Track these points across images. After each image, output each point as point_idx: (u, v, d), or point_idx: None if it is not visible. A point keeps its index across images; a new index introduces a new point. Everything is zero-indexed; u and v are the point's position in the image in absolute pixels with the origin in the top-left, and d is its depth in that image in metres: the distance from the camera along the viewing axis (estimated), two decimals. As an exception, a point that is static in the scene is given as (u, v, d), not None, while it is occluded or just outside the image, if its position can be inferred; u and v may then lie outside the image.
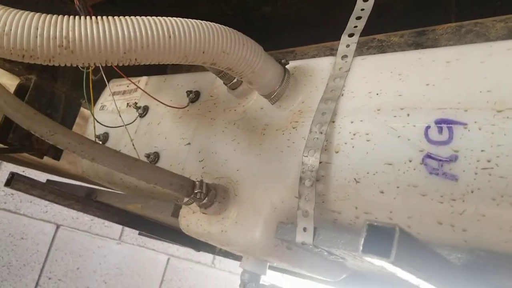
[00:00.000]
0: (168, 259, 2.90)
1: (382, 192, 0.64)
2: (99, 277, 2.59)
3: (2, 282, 2.29)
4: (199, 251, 1.39)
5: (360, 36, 0.77)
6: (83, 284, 2.53)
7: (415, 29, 0.90)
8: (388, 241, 0.41)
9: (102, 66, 1.02)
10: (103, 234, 2.62)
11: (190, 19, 0.66)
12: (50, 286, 2.42)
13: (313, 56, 1.07)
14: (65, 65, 0.61)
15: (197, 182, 0.78)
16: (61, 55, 0.59)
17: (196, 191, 0.77)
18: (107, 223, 2.61)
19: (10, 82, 1.48)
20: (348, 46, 0.77)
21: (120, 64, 0.64)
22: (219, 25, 0.69)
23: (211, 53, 0.68)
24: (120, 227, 2.67)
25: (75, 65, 0.62)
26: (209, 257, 3.09)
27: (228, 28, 0.70)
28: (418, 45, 0.88)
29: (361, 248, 0.42)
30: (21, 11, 0.57)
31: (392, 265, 0.41)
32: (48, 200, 1.08)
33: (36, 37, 0.57)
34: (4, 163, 2.28)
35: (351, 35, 0.78)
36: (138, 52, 0.62)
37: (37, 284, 2.39)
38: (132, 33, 0.61)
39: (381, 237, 0.42)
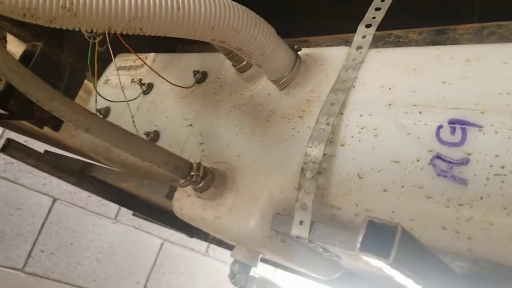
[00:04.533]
0: (162, 244, 2.88)
1: (385, 191, 0.61)
2: (91, 254, 2.58)
3: (-5, 250, 2.28)
4: (192, 237, 1.37)
5: (377, 30, 0.74)
6: (75, 259, 2.51)
7: (435, 27, 0.87)
8: (389, 241, 0.38)
9: (108, 38, 1.00)
10: (99, 212, 2.61)
11: (202, -8, 0.63)
12: (42, 259, 2.40)
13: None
14: (67, 28, 0.58)
15: (194, 164, 0.75)
16: (63, 17, 0.56)
17: (192, 174, 0.74)
18: (104, 201, 2.59)
19: (18, 49, 1.46)
20: (364, 37, 0.74)
21: (125, 33, 0.61)
22: (231, 1, 0.66)
23: (220, 30, 0.64)
24: (116, 206, 2.65)
25: (77, 29, 0.59)
26: (203, 245, 3.07)
27: (241, 6, 0.67)
28: (436, 44, 0.85)
29: (358, 245, 0.39)
30: (24, -33, 0.55)
31: (390, 267, 0.38)
32: (43, 171, 1.05)
33: (39, -5, 0.54)
34: (7, 131, 2.26)
35: (368, 26, 0.75)
36: (144, 21, 0.59)
37: (29, 255, 2.37)
38: (139, 1, 0.58)
39: (381, 236, 0.39)
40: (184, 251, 2.98)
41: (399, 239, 0.37)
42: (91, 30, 0.59)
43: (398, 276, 0.41)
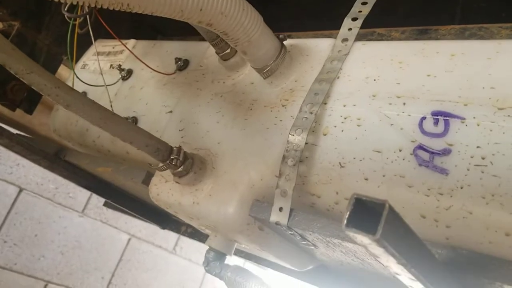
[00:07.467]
0: (129, 239, 2.83)
1: (366, 179, 0.61)
2: (56, 247, 2.51)
3: (-46, 240, 2.20)
4: (164, 228, 1.35)
5: (361, 27, 0.75)
6: (39, 252, 2.45)
7: (417, 27, 0.88)
8: (376, 217, 0.38)
9: (89, 20, 0.98)
10: (66, 204, 2.54)
11: (192, -27, 0.62)
12: (4, 250, 2.33)
13: (310, 43, 1.03)
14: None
15: (174, 148, 0.74)
16: (48, -14, 0.55)
17: (172, 157, 0.73)
18: (71, 193, 2.54)
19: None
20: (350, 29, 0.75)
21: (111, 8, 0.60)
22: (221, -16, 0.65)
23: (208, 12, 0.64)
24: (84, 199, 2.59)
25: (62, 0, 0.58)
26: (171, 243, 3.04)
27: (230, -10, 0.66)
28: (419, 43, 0.86)
29: (345, 222, 0.39)
30: None
31: (376, 244, 0.38)
32: (15, 152, 1.02)
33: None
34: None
35: (354, 19, 0.75)
36: (132, -4, 0.58)
37: (-9, 246, 2.30)
38: (128, -25, 0.57)
39: (368, 213, 0.39)
40: (151, 248, 2.95)
41: (386, 216, 0.37)
42: (77, 3, 0.58)
43: (381, 255, 0.41)
